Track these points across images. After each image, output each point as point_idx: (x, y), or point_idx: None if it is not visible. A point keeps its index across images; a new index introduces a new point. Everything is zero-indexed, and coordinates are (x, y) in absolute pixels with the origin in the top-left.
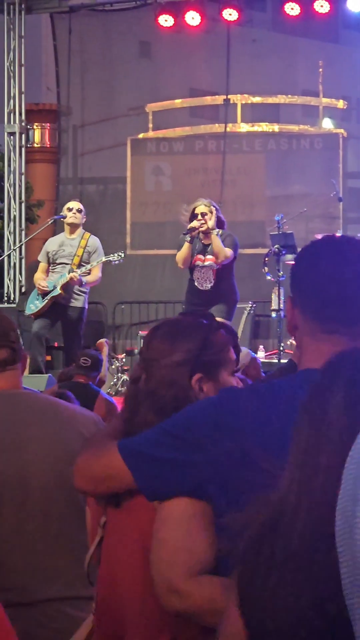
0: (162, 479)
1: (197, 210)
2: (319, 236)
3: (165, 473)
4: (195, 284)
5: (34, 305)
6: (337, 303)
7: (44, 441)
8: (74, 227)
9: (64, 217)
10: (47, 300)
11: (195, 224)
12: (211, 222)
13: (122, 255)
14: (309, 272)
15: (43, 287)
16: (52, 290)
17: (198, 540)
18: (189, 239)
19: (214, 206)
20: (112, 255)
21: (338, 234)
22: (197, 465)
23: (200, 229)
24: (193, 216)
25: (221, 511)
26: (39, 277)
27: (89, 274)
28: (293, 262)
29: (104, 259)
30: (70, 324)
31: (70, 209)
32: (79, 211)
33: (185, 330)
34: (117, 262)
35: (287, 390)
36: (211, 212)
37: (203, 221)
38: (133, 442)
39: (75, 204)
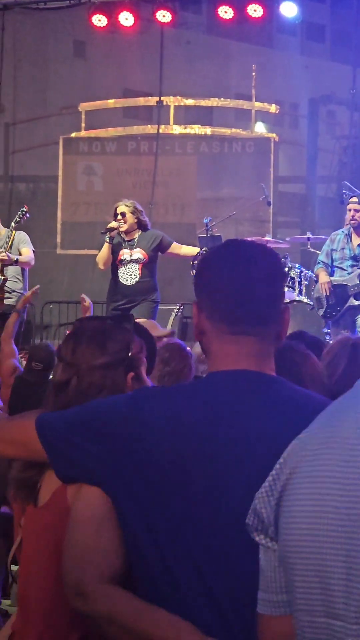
0: (69, 460)
1: (118, 210)
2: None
3: (72, 455)
4: (120, 279)
5: None
6: (243, 305)
7: None
8: None
9: (110, 231)
10: None
11: (113, 224)
12: (130, 223)
13: (24, 210)
14: (214, 276)
15: None
16: None
17: (109, 543)
18: (107, 238)
19: (137, 207)
20: (16, 217)
21: (267, 238)
22: (100, 456)
23: (120, 229)
24: (115, 216)
25: (123, 510)
26: None
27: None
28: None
29: (13, 225)
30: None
31: None
32: None
33: (111, 333)
34: (25, 217)
35: (199, 392)
36: (132, 213)
37: (123, 221)
38: (51, 417)
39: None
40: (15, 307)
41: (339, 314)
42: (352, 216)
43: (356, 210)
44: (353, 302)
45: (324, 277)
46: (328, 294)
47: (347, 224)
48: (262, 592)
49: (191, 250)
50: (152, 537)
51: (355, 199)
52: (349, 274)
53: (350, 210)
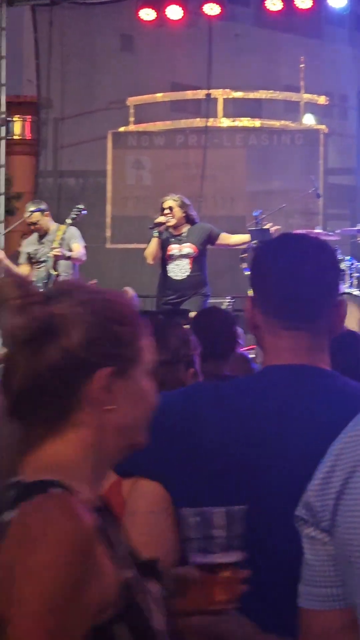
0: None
1: (165, 205)
2: (298, 232)
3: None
4: (170, 274)
5: None
6: (298, 300)
7: None
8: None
9: (159, 226)
10: None
11: (161, 218)
12: (177, 217)
13: (81, 207)
14: (269, 271)
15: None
16: (48, 278)
17: (165, 538)
18: (156, 233)
19: (185, 201)
20: (72, 214)
21: (317, 230)
22: (157, 450)
23: (168, 224)
24: (162, 210)
25: (179, 503)
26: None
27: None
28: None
29: (69, 222)
30: None
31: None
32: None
33: (171, 330)
34: (81, 215)
35: (253, 387)
36: (180, 207)
37: (170, 215)
38: None
39: (27, 213)
40: None
41: None
42: None
43: None
44: None
45: None
46: None
47: None
48: (308, 586)
49: (241, 238)
50: None
51: None
52: None
53: None
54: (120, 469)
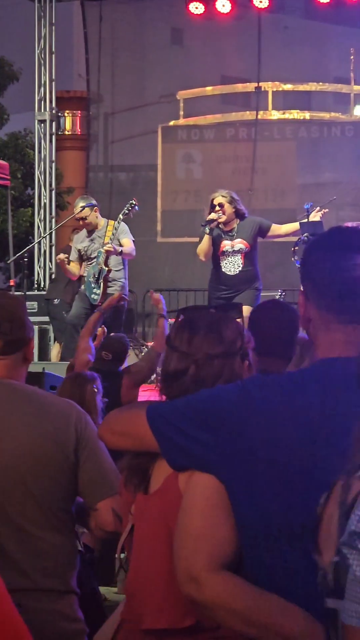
0: (181, 449)
1: (215, 202)
2: (349, 224)
3: (184, 444)
4: (223, 269)
5: (95, 294)
6: (350, 295)
7: (19, 431)
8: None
9: (211, 223)
10: (102, 284)
11: (213, 215)
12: (228, 213)
13: (134, 203)
14: (321, 265)
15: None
16: (99, 273)
17: (221, 531)
18: (207, 230)
19: (234, 197)
20: (124, 209)
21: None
22: (213, 443)
23: (219, 220)
24: (212, 207)
25: (236, 496)
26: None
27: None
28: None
29: (121, 217)
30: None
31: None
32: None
33: (225, 323)
34: (133, 210)
35: (309, 379)
36: (229, 203)
37: (221, 212)
38: (162, 407)
39: (77, 209)
40: (101, 305)
41: None
42: None
43: None
44: None
45: None
46: None
47: None
48: (352, 602)
49: (292, 227)
50: (265, 523)
51: None
52: None
53: None
54: (175, 462)
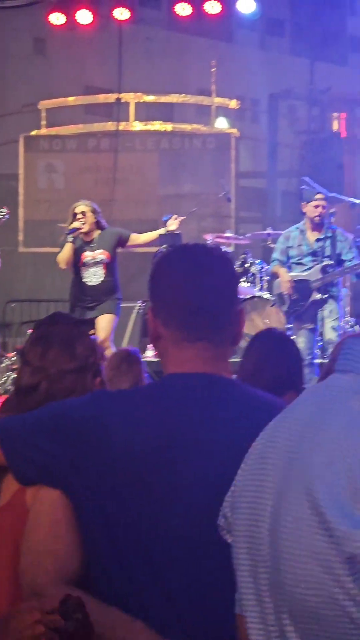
0: (29, 462)
1: (77, 210)
2: (208, 236)
3: (32, 457)
4: (84, 280)
5: None
6: (198, 313)
7: None
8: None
9: (74, 231)
10: None
11: (76, 224)
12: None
13: (4, 212)
14: (169, 283)
15: None
16: None
17: (65, 546)
18: (71, 238)
19: (96, 208)
20: None
21: (228, 234)
22: (62, 456)
23: (82, 230)
24: (74, 216)
25: (83, 510)
26: None
27: None
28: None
29: None
30: None
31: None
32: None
33: (79, 338)
34: (2, 220)
35: (157, 395)
36: (92, 212)
37: (84, 220)
38: (10, 421)
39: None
40: None
41: (302, 309)
42: (320, 213)
43: (323, 207)
44: (316, 296)
45: (285, 275)
46: (291, 292)
47: (311, 217)
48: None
49: (151, 236)
50: (111, 537)
51: (321, 195)
52: (309, 268)
53: (317, 206)
54: (23, 475)
